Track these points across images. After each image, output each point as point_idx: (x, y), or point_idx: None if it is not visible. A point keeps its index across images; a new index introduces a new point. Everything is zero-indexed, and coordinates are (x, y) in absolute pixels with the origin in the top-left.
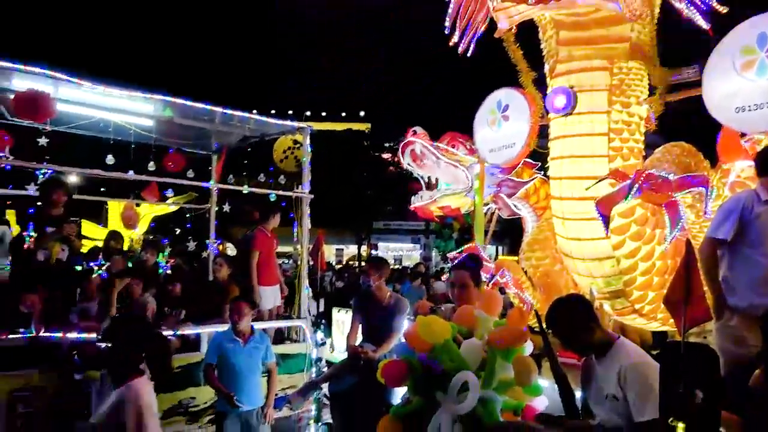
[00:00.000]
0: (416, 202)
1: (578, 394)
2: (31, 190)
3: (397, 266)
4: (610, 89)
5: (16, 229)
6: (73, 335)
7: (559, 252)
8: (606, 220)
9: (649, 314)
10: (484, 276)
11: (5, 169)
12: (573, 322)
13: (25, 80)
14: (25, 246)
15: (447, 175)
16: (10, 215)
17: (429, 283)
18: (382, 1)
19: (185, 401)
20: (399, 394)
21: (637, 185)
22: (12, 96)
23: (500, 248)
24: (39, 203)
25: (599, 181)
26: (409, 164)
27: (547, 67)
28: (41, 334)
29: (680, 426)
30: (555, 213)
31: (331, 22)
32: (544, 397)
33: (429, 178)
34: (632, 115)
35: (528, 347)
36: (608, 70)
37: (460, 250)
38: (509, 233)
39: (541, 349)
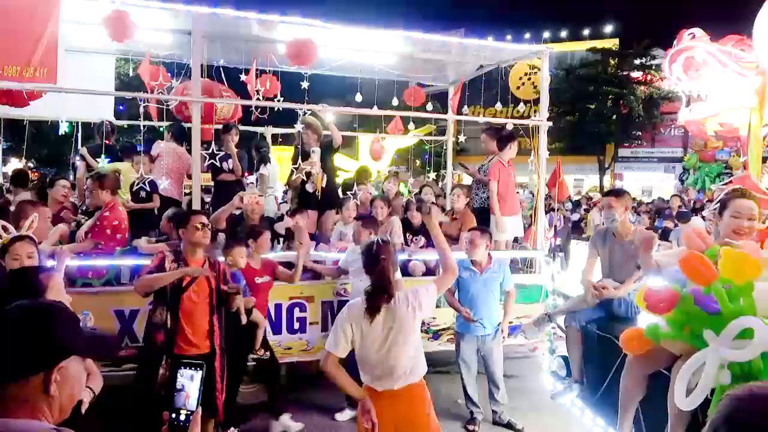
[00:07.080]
0: (687, 115)
1: None
2: (298, 128)
3: (643, 198)
4: None
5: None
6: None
7: None
8: None
9: None
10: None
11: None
12: None
13: (287, 30)
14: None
15: (729, 88)
16: (282, 150)
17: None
18: None
19: (427, 320)
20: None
21: None
22: (279, 46)
23: None
24: (302, 141)
25: None
26: (677, 76)
27: None
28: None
29: None
30: None
31: None
32: None
33: (698, 94)
34: None
35: None
36: None
37: (726, 181)
38: None
39: None
